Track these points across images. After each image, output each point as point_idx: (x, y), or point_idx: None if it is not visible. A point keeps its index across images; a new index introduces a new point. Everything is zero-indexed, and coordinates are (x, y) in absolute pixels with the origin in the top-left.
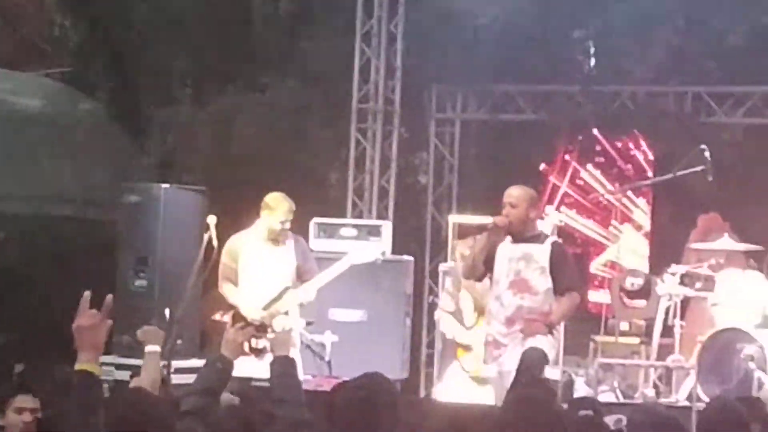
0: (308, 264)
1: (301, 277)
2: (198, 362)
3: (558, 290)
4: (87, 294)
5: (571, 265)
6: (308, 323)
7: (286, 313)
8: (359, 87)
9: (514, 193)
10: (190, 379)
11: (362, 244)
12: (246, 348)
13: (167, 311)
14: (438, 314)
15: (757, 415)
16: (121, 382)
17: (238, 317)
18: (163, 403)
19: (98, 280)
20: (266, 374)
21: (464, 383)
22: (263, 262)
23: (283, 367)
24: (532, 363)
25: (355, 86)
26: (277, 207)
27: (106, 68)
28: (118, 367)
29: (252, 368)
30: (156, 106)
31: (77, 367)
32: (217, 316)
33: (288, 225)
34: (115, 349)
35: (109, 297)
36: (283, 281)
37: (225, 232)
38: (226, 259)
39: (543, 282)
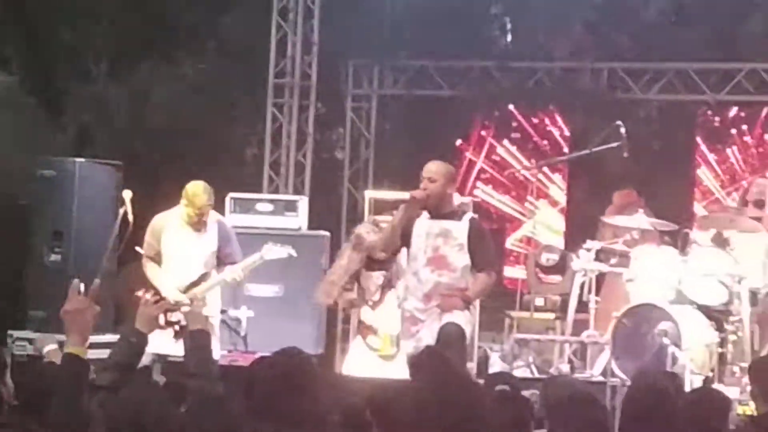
0: (229, 248)
1: (223, 260)
2: (113, 337)
3: (476, 267)
4: (76, 282)
5: (489, 242)
6: (223, 311)
7: (203, 299)
8: (276, 62)
9: (433, 168)
10: (104, 354)
11: (278, 219)
12: (161, 321)
13: (82, 286)
14: None
15: (677, 390)
16: (34, 357)
17: (157, 294)
18: None
19: (11, 253)
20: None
21: (371, 359)
22: (184, 247)
23: (197, 340)
24: (450, 338)
25: (272, 61)
26: (194, 200)
27: (20, 41)
28: (32, 342)
29: (170, 346)
30: (71, 81)
31: (66, 350)
32: (139, 293)
33: (206, 216)
34: (28, 324)
35: (96, 282)
36: (204, 266)
37: (141, 206)
38: (149, 237)
39: (461, 259)
